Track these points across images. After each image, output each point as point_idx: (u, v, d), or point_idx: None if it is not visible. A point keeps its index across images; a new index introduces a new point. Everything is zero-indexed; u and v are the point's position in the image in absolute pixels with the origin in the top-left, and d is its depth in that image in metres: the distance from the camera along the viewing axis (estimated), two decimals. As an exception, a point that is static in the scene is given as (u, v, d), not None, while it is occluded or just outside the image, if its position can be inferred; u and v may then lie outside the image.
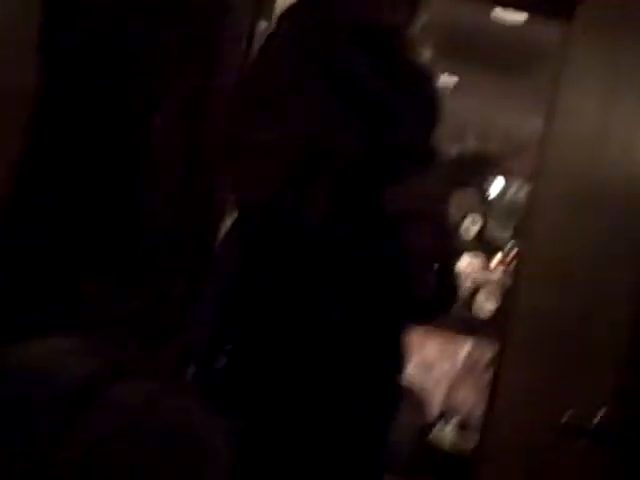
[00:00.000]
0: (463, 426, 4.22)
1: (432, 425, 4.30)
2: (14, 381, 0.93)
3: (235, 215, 1.88)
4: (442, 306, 1.88)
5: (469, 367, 4.37)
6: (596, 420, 1.63)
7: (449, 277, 1.85)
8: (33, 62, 2.44)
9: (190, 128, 2.59)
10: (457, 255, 1.99)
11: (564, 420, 1.70)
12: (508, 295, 3.46)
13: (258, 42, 2.77)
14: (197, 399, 1.05)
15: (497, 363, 2.89)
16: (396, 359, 1.86)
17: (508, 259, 4.88)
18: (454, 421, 4.29)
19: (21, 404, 0.91)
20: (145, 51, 2.55)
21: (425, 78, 1.95)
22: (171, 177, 2.58)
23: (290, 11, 1.88)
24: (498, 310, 4.43)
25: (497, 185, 5.46)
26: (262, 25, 2.91)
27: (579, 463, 2.01)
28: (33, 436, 0.89)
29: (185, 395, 1.03)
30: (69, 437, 0.89)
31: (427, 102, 1.92)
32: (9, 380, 0.93)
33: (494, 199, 5.40)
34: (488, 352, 3.98)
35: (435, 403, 4.38)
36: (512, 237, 5.08)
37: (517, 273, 3.01)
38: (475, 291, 4.69)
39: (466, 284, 4.55)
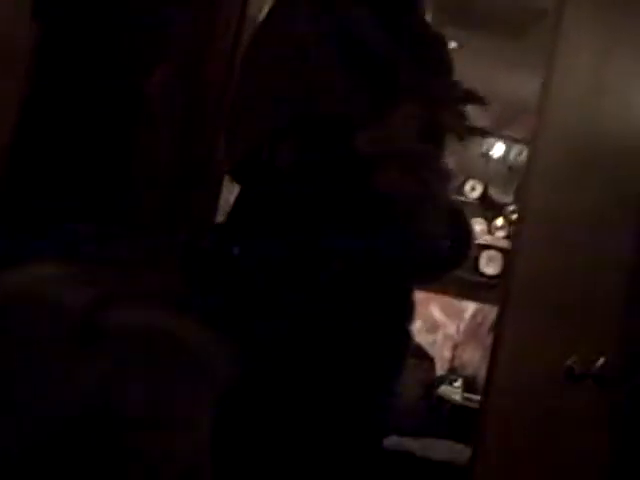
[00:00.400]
0: (469, 384, 4.28)
1: (439, 383, 4.35)
2: (15, 310, 0.93)
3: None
4: (455, 258, 1.83)
5: (474, 329, 4.41)
6: (598, 364, 1.69)
7: (459, 229, 1.81)
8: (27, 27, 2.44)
9: (186, 94, 2.58)
10: (452, 197, 1.86)
11: (567, 364, 1.74)
12: (509, 257, 3.50)
13: (253, 5, 2.77)
14: (195, 320, 1.09)
15: (499, 320, 2.94)
16: (402, 313, 1.84)
17: (509, 222, 4.91)
18: (460, 379, 4.34)
19: (25, 335, 0.91)
20: (138, 18, 2.53)
21: (436, 41, 1.92)
22: (168, 142, 2.59)
23: None
24: (501, 273, 4.46)
25: (498, 149, 5.48)
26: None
27: (582, 409, 2.03)
28: (44, 369, 0.90)
29: (183, 317, 1.05)
30: (84, 369, 0.90)
31: (438, 63, 1.89)
32: (8, 309, 0.93)
33: (495, 163, 5.42)
34: (492, 314, 4.02)
35: (441, 363, 4.43)
36: (513, 201, 5.10)
37: (517, 235, 3.05)
38: (478, 254, 4.74)
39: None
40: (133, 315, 0.99)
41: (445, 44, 1.96)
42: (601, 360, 1.70)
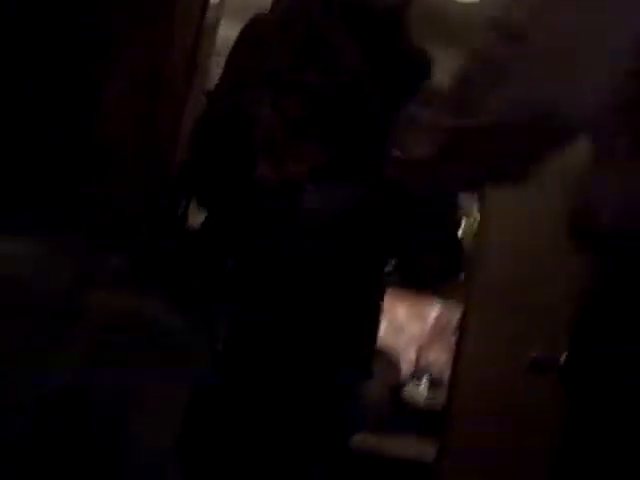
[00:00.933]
0: (435, 384, 4.31)
1: (404, 384, 4.38)
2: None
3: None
4: (451, 270, 1.87)
5: (439, 329, 4.43)
6: (562, 359, 1.67)
7: (450, 242, 1.86)
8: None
9: (143, 108, 2.54)
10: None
11: (532, 356, 1.75)
12: (473, 257, 3.56)
13: (211, 12, 2.73)
14: (168, 302, 1.10)
15: (462, 321, 2.99)
16: (369, 318, 1.87)
17: (474, 227, 4.96)
18: (425, 380, 4.37)
19: (8, 312, 0.93)
20: (88, 30, 2.50)
21: (418, 65, 1.89)
22: (123, 162, 2.55)
23: None
24: (465, 275, 4.49)
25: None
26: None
27: (546, 405, 2.06)
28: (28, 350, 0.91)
29: (157, 299, 1.08)
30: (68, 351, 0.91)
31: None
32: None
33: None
34: (456, 314, 4.06)
35: (406, 364, 4.45)
36: (477, 206, 5.14)
37: (479, 241, 3.12)
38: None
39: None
40: (112, 298, 0.99)
41: (425, 61, 1.93)
42: (564, 354, 1.72)
